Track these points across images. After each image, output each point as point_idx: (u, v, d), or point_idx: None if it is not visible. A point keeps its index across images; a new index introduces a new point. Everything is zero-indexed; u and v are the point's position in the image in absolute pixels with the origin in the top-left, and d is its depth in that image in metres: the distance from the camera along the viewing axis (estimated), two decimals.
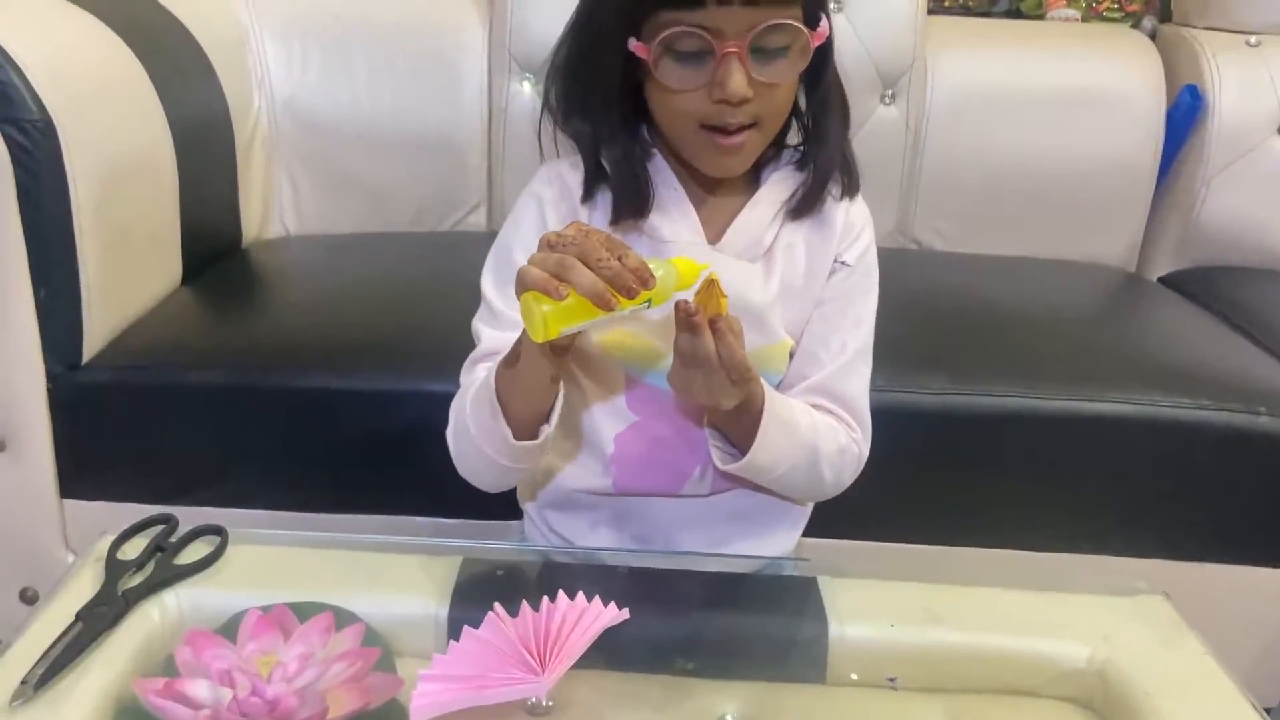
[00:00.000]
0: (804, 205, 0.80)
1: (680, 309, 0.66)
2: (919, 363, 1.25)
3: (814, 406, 0.81)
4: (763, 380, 0.75)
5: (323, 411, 1.19)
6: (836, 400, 0.81)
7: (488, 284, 0.80)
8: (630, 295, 0.60)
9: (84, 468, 1.11)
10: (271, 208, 1.69)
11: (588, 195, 0.79)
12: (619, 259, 0.61)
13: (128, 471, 1.19)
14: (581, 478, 0.84)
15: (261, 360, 1.21)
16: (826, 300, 0.82)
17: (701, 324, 0.66)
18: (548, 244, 0.63)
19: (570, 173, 0.81)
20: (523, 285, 0.62)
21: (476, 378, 0.76)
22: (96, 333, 1.10)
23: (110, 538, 0.72)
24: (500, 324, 0.78)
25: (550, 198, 0.81)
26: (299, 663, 0.58)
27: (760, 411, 0.74)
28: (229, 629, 0.62)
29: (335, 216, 1.70)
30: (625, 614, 0.61)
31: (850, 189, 0.82)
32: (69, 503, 1.11)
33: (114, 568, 0.68)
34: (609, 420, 0.82)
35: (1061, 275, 1.65)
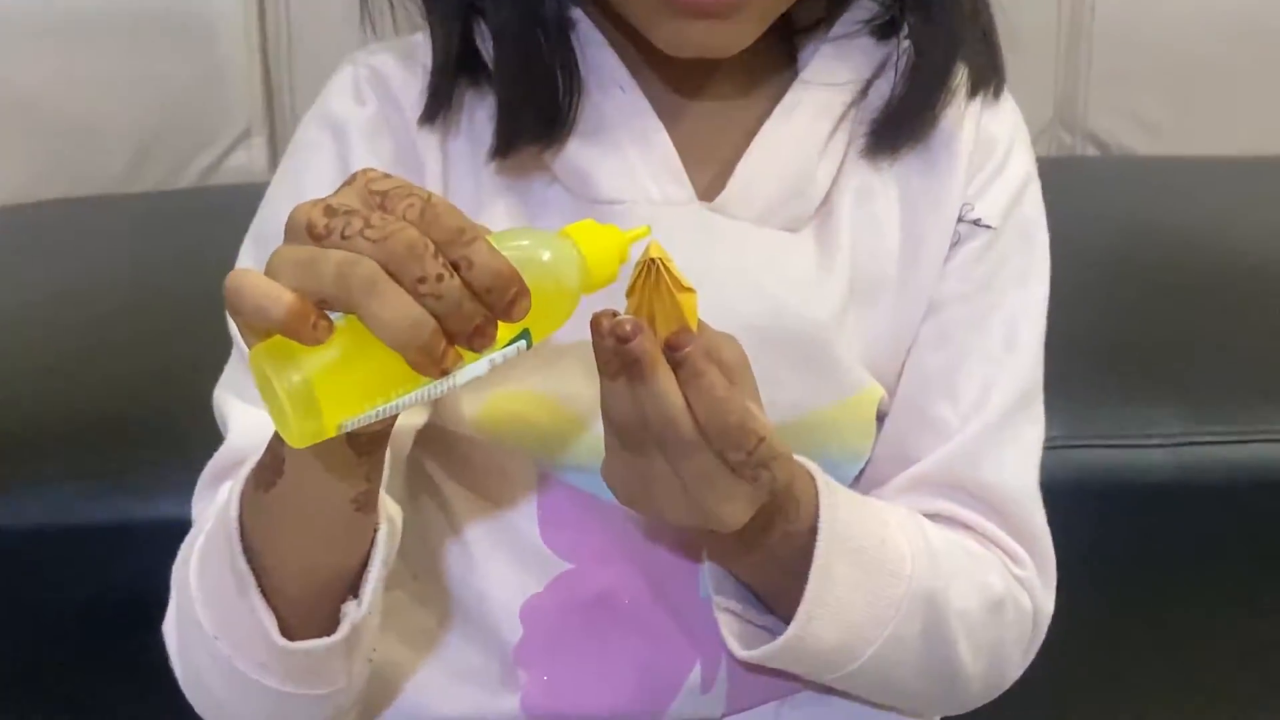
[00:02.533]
0: (898, 120, 0.81)
1: (599, 330, 0.64)
2: (1128, 386, 1.22)
3: (931, 517, 0.80)
4: (814, 469, 0.74)
5: None
6: (980, 500, 0.81)
7: None
8: (478, 343, 0.57)
9: None
10: None
11: (436, 108, 0.80)
12: (455, 265, 0.56)
13: None
14: (457, 695, 0.83)
15: None
16: (948, 300, 0.82)
17: (647, 356, 0.64)
18: (306, 229, 0.57)
19: (398, 69, 0.83)
20: (248, 323, 0.58)
21: (216, 509, 0.75)
22: None
23: None
24: None
25: (361, 123, 0.82)
26: None
27: (810, 531, 0.73)
28: None
29: None
30: None
31: (984, 79, 0.82)
32: None
33: None
34: (507, 571, 0.83)
35: None
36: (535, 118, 0.79)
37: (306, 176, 0.82)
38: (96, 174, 1.65)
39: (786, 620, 0.74)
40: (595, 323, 0.64)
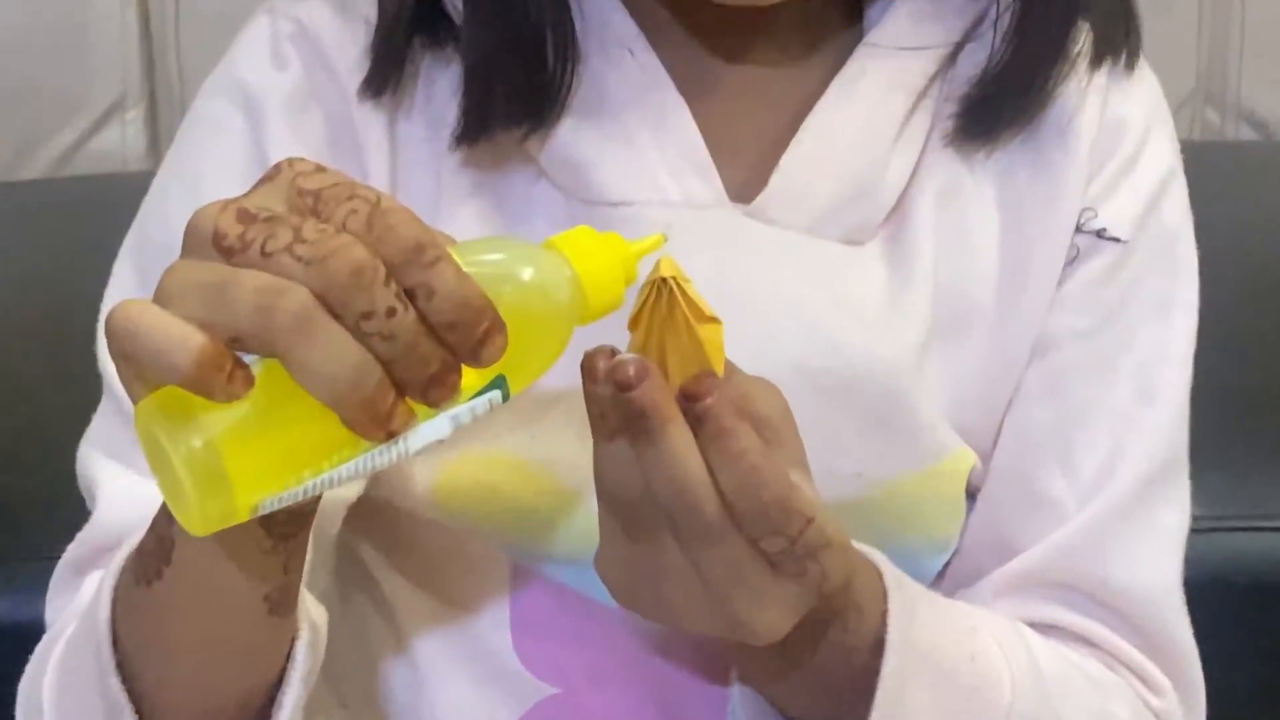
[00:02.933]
0: (999, 98, 0.82)
1: (593, 374, 0.64)
2: None
3: (1037, 627, 0.81)
4: (881, 561, 0.75)
5: None
6: (1103, 606, 0.82)
7: None
8: (436, 395, 0.58)
9: None
10: None
11: (383, 76, 0.82)
12: (410, 293, 0.57)
13: None
14: None
15: None
16: (1062, 337, 0.84)
17: (656, 409, 0.64)
18: (213, 240, 0.57)
19: (331, 22, 0.84)
20: (141, 373, 0.58)
21: (79, 607, 0.76)
22: None
23: None
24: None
25: (281, 94, 0.83)
26: None
27: (876, 645, 0.73)
28: None
29: None
30: None
31: (1113, 43, 0.83)
32: None
33: None
34: (470, 695, 0.84)
35: None
36: (515, 92, 0.79)
37: (207, 166, 0.82)
38: None
39: None
40: (588, 364, 0.64)
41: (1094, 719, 0.79)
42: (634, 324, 0.65)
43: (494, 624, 0.81)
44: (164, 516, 0.67)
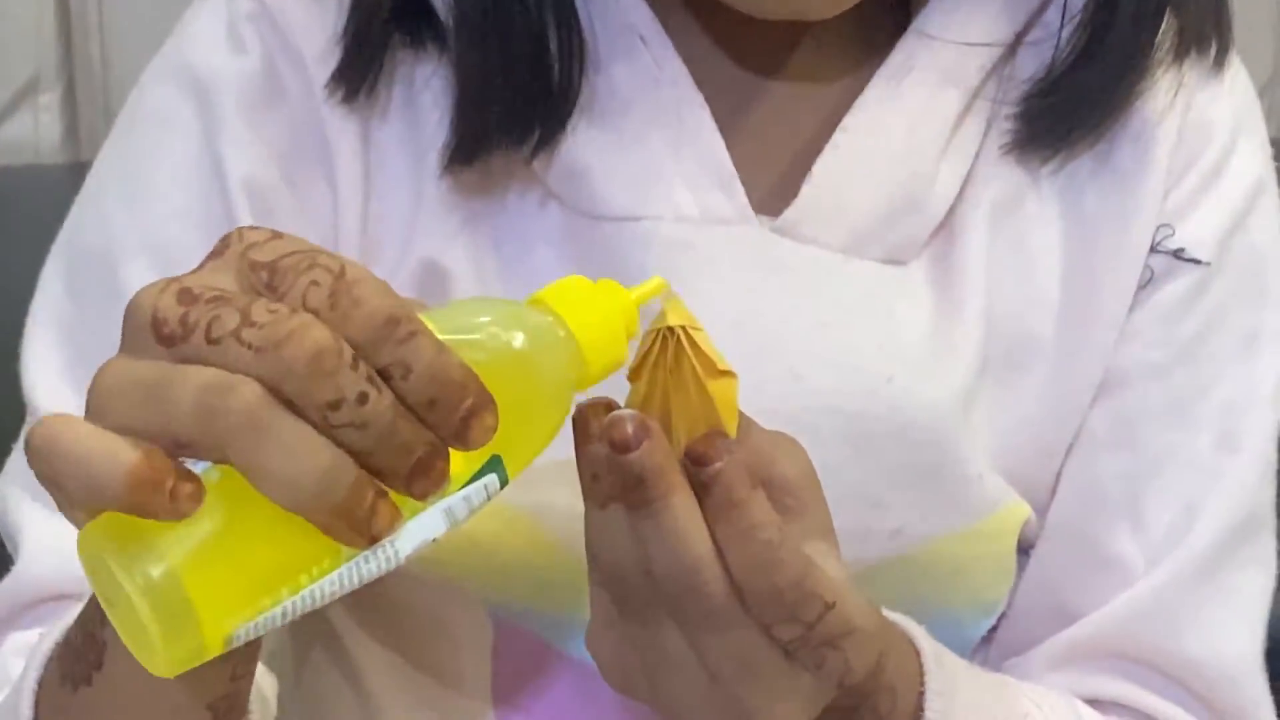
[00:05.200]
0: (1068, 101, 0.82)
1: (585, 431, 0.66)
2: None
3: (1098, 705, 0.81)
4: (918, 635, 0.75)
5: None
6: (1176, 682, 0.82)
7: (45, 365, 0.82)
8: (422, 486, 0.58)
9: None
10: None
11: (357, 75, 0.82)
12: (383, 373, 0.57)
13: None
14: None
15: None
16: (1134, 373, 0.84)
17: (657, 475, 0.64)
18: (152, 327, 0.57)
19: (298, 1, 0.84)
20: (73, 501, 0.58)
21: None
22: None
23: None
24: None
25: (238, 84, 0.84)
26: None
27: None
28: None
29: None
30: None
31: (1201, 37, 0.84)
32: None
33: None
34: None
35: None
36: (518, 106, 0.79)
37: (151, 166, 0.82)
38: None
39: None
40: (580, 420, 0.64)
41: None
42: (635, 375, 0.65)
43: (474, 691, 0.82)
44: (95, 612, 0.67)
